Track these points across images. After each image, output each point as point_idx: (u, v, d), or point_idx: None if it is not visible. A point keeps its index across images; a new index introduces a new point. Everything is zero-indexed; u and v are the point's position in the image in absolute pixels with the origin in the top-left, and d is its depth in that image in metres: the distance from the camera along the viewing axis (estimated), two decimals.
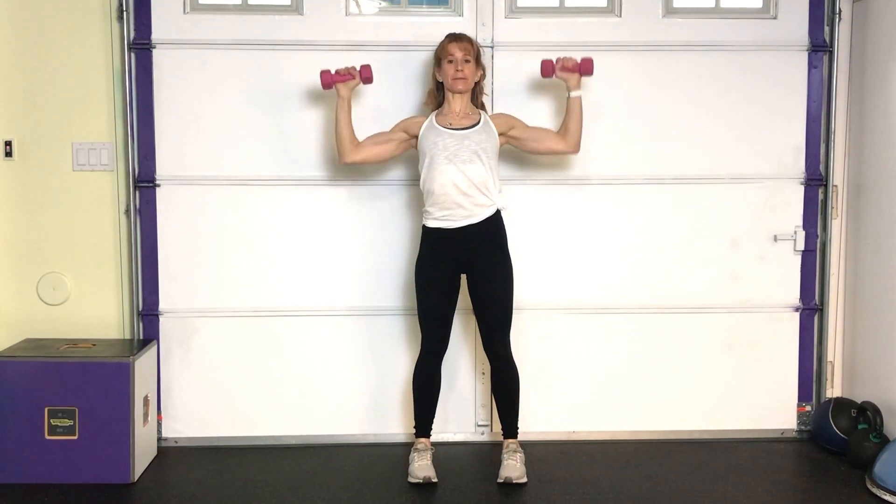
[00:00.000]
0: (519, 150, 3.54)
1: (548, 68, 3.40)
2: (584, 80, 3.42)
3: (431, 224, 3.33)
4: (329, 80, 3.38)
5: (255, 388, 3.79)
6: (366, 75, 3.40)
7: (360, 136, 3.44)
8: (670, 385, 3.86)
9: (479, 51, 3.38)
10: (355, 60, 3.55)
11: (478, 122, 3.34)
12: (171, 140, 3.69)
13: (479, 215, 3.28)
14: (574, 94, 3.38)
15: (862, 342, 3.81)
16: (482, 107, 3.46)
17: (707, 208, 3.82)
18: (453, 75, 3.30)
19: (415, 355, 3.48)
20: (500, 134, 3.38)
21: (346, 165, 3.47)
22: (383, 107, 3.67)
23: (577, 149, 3.44)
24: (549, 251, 3.81)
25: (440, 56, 3.35)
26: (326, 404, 3.81)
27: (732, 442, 3.83)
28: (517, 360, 3.40)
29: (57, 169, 3.69)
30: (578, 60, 3.36)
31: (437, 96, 3.42)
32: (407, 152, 3.49)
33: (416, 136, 3.36)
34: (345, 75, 3.38)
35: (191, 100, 3.68)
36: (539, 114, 3.69)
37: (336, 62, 3.61)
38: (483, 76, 3.42)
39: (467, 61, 3.31)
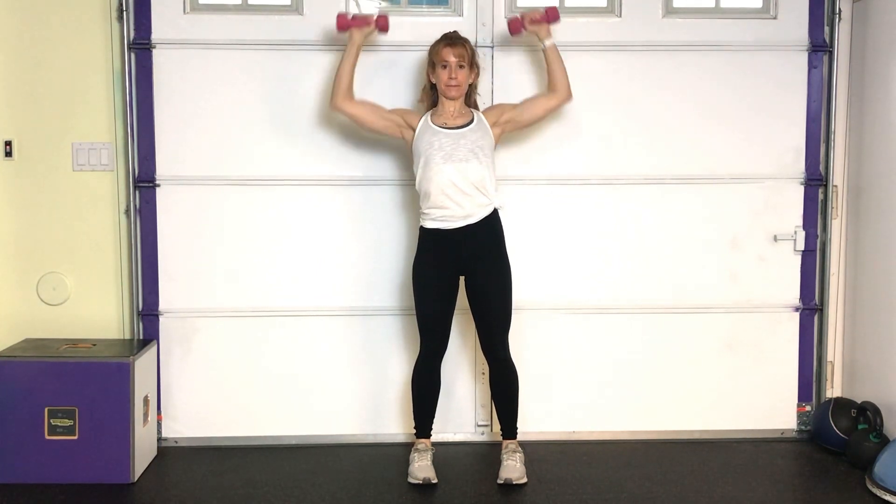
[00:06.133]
0: (518, 140, 3.54)
1: (516, 25, 3.44)
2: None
3: (429, 225, 3.32)
4: (345, 23, 3.37)
5: (255, 388, 3.79)
6: (382, 24, 3.40)
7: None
8: (670, 385, 3.86)
9: (473, 53, 3.36)
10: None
11: (472, 121, 3.33)
12: (171, 140, 3.69)
13: (478, 215, 3.28)
14: (548, 42, 3.39)
15: (862, 342, 3.81)
16: (475, 105, 3.45)
17: (707, 208, 3.82)
18: (447, 82, 3.29)
19: (414, 355, 3.48)
20: (494, 125, 3.37)
21: (334, 110, 3.43)
22: (382, 106, 3.67)
23: (569, 94, 3.44)
24: (548, 251, 3.81)
25: (434, 59, 3.34)
26: (326, 404, 3.81)
27: (732, 442, 3.83)
28: (517, 361, 3.40)
29: (57, 169, 3.69)
30: (543, 11, 3.41)
31: (430, 94, 3.42)
32: (396, 142, 3.50)
33: (413, 128, 3.35)
34: (361, 20, 3.38)
35: (191, 100, 3.68)
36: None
37: (336, 62, 3.61)
38: (477, 76, 3.42)
39: (461, 67, 3.29)
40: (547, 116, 3.54)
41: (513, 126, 3.45)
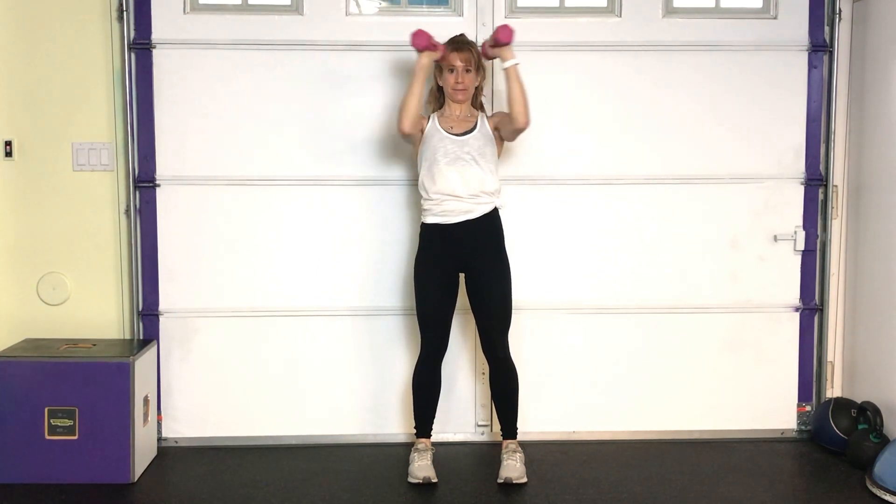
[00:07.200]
0: (518, 139, 3.49)
1: (485, 52, 3.36)
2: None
3: (430, 220, 3.33)
4: (426, 43, 3.21)
5: (255, 388, 3.79)
6: (443, 54, 3.31)
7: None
8: (670, 385, 3.86)
9: (479, 56, 3.37)
10: (355, 60, 3.58)
11: (476, 127, 3.35)
12: (171, 140, 3.69)
13: (478, 211, 3.29)
14: (506, 64, 3.25)
15: (862, 342, 3.81)
16: (481, 107, 3.47)
17: (707, 208, 3.82)
18: (454, 86, 3.32)
19: (414, 355, 3.48)
20: (494, 129, 3.38)
21: (402, 133, 3.29)
22: (382, 106, 3.67)
23: (526, 122, 3.22)
24: (548, 251, 3.81)
25: (441, 63, 3.35)
26: (326, 404, 3.81)
27: (732, 442, 3.83)
28: (516, 360, 3.40)
29: (57, 169, 3.69)
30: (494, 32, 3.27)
31: (438, 97, 3.44)
32: (398, 142, 3.51)
33: (422, 131, 3.36)
34: (436, 45, 3.26)
35: (191, 100, 3.68)
36: (539, 114, 3.68)
37: (336, 62, 3.63)
38: (483, 78, 3.43)
39: (468, 71, 3.31)
40: (515, 139, 3.42)
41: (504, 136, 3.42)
